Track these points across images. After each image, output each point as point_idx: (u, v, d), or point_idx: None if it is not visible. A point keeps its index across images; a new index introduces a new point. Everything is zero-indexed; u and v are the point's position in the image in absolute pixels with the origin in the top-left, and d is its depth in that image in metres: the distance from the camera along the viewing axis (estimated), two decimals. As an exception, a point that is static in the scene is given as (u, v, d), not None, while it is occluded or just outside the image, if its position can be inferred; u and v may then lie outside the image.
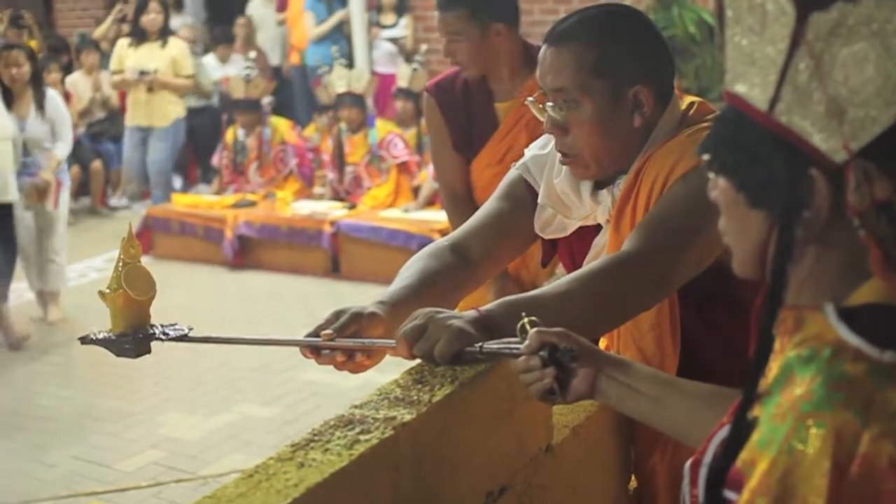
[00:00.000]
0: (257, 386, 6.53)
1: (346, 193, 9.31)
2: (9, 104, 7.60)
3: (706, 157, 1.38)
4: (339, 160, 9.29)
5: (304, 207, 9.22)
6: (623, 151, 2.31)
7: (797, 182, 1.29)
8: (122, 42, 10.53)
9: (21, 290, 8.47)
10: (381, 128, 9.24)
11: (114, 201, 11.76)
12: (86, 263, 9.41)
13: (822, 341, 1.30)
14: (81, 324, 7.41)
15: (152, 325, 2.16)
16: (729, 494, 1.33)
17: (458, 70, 4.01)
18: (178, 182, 11.91)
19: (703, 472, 1.45)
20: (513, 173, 2.55)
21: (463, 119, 3.99)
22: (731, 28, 1.34)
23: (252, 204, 9.52)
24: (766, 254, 1.35)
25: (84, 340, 2.19)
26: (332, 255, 8.78)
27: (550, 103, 2.30)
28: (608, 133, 2.28)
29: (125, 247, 2.14)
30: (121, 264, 2.12)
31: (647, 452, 2.41)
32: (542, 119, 2.35)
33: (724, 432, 1.43)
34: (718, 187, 1.39)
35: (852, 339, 1.27)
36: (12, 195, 7.46)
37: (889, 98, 1.24)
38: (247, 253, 9.30)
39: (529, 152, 2.54)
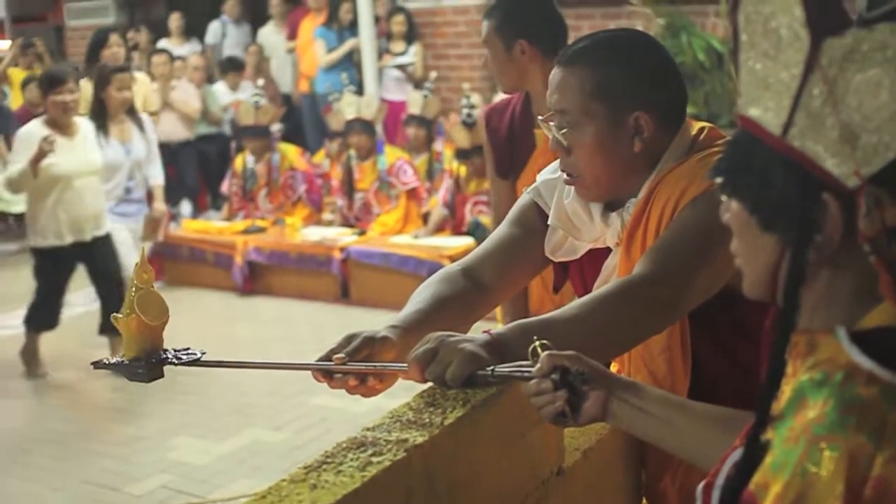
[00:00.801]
0: (267, 411, 6.53)
1: (355, 220, 9.34)
2: (105, 129, 7.51)
3: (719, 179, 1.39)
4: (349, 186, 9.32)
5: (314, 234, 9.25)
6: (624, 176, 2.32)
7: (809, 206, 1.29)
8: None
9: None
10: (391, 154, 9.27)
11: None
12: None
13: (835, 365, 1.30)
14: (90, 349, 7.41)
15: (165, 350, 2.17)
16: None
17: (513, 98, 4.07)
18: (188, 208, 11.94)
19: (715, 495, 1.45)
20: (525, 198, 2.56)
21: (506, 143, 4.03)
22: (746, 52, 1.35)
23: (262, 230, 9.55)
24: (778, 276, 1.36)
25: (97, 365, 2.20)
26: (342, 280, 8.80)
27: (554, 124, 2.32)
28: (608, 156, 2.30)
29: (138, 272, 2.14)
30: (134, 289, 2.13)
31: (658, 475, 2.40)
32: (549, 137, 2.37)
33: (736, 455, 1.43)
34: (731, 210, 1.39)
35: (865, 363, 1.28)
36: (106, 227, 7.37)
37: None
38: (256, 279, 9.32)
39: (541, 177, 2.56)
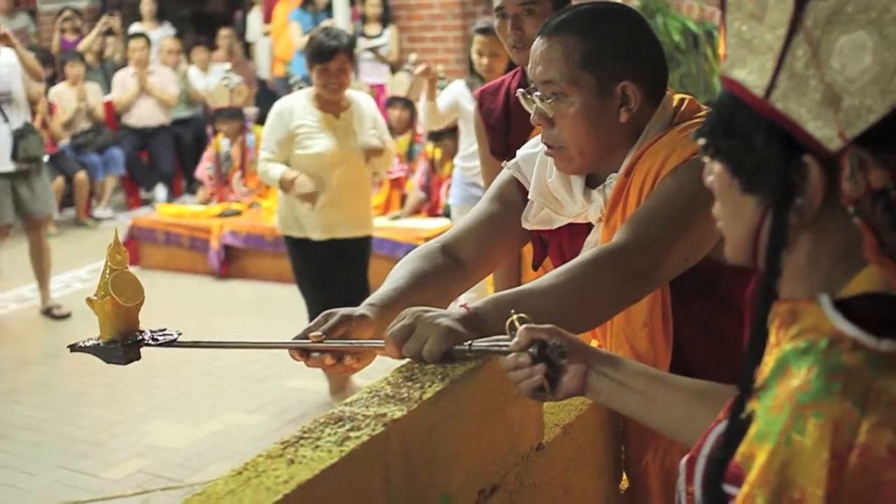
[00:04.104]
0: (243, 394, 6.50)
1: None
2: None
3: (702, 141, 1.37)
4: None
5: (290, 216, 9.18)
6: (608, 146, 2.30)
7: (791, 168, 1.28)
8: None
9: (4, 300, 8.46)
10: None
11: (98, 212, 11.72)
12: (71, 274, 9.37)
13: (819, 332, 1.28)
14: (65, 333, 7.38)
15: (141, 332, 2.14)
16: (729, 489, 1.32)
17: (505, 79, 4.01)
18: (163, 193, 11.89)
19: (699, 467, 1.44)
20: (504, 173, 2.54)
21: (502, 123, 3.99)
22: (732, 13, 1.33)
23: (237, 213, 9.50)
24: (759, 240, 1.34)
25: (73, 348, 2.17)
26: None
27: (538, 94, 2.29)
28: (594, 126, 2.27)
29: (112, 253, 2.12)
30: (108, 271, 2.11)
31: (639, 452, 2.39)
32: (530, 111, 2.34)
33: (720, 428, 1.42)
34: (713, 172, 1.37)
35: (849, 330, 1.26)
36: None
37: (885, 87, 1.23)
38: (233, 262, 9.28)
39: (521, 152, 2.53)
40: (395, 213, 8.92)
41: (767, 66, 1.28)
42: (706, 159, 1.39)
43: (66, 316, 8.10)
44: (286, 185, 5.83)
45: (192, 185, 11.59)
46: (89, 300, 2.12)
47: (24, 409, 6.63)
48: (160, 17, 13.66)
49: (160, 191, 11.98)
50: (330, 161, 5.89)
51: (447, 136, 8.68)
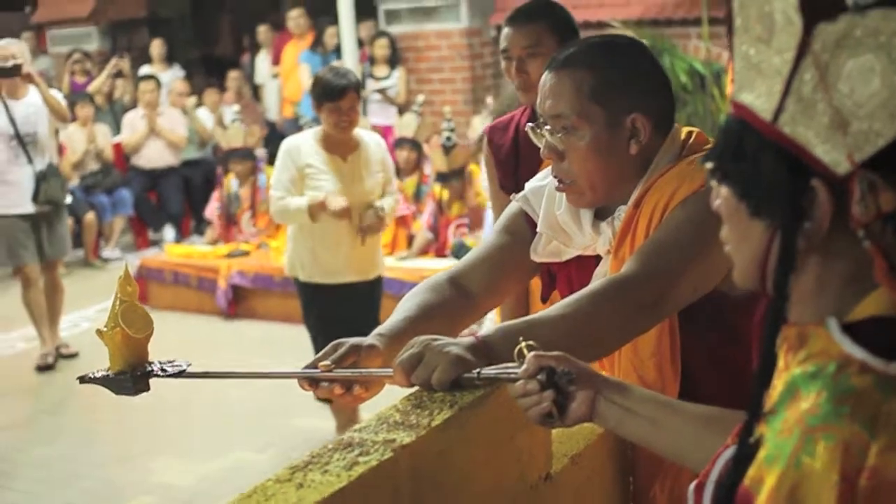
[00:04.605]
0: (250, 431, 6.50)
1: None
2: None
3: (709, 165, 1.37)
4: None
5: (298, 257, 9.20)
6: (619, 179, 2.31)
7: (799, 192, 1.28)
8: None
9: (12, 339, 8.47)
10: (373, 175, 9.25)
11: (106, 253, 11.74)
12: (79, 314, 9.37)
13: (827, 357, 1.28)
14: (72, 372, 7.36)
15: (150, 363, 2.15)
16: None
17: (515, 114, 4.03)
18: (171, 234, 11.92)
19: (708, 493, 1.43)
20: (513, 206, 2.56)
21: (511, 158, 4.01)
22: (739, 37, 1.34)
23: (245, 254, 9.52)
24: (767, 264, 1.34)
25: (83, 380, 2.18)
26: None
27: (548, 128, 2.30)
28: (604, 159, 2.28)
29: (122, 285, 2.13)
30: (118, 303, 2.12)
31: (648, 482, 2.39)
32: (539, 145, 2.35)
33: (728, 453, 1.41)
34: (721, 196, 1.38)
35: (857, 353, 1.26)
36: None
37: (894, 111, 1.23)
38: (240, 302, 9.28)
39: (529, 185, 2.54)
40: (402, 253, 8.93)
41: (775, 89, 1.29)
42: (713, 183, 1.40)
43: (74, 355, 8.10)
44: (316, 210, 5.67)
45: (201, 226, 11.62)
46: (99, 331, 2.13)
47: (31, 446, 6.62)
48: (170, 59, 13.76)
49: (168, 231, 12.00)
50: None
51: (454, 177, 8.71)
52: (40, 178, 7.85)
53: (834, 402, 1.23)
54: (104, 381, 2.14)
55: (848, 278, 1.32)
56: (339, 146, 5.82)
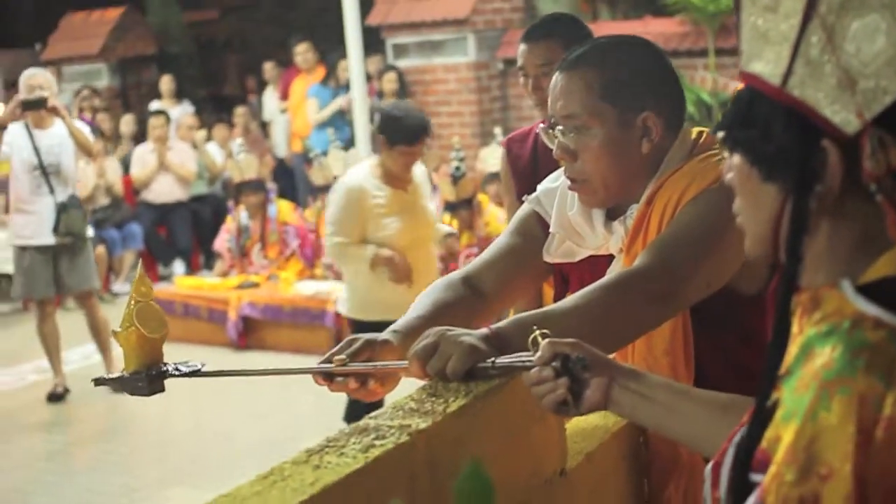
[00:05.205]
0: (260, 459, 6.44)
1: (348, 275, 9.33)
2: None
3: (720, 134, 1.39)
4: (342, 242, 9.30)
5: (308, 288, 9.25)
6: (631, 177, 2.32)
7: (809, 154, 1.30)
8: None
9: (24, 371, 8.49)
10: (384, 209, 9.28)
11: (116, 287, 11.76)
12: (89, 347, 9.37)
13: (841, 316, 1.29)
14: (84, 405, 7.40)
15: (165, 363, 2.16)
16: (755, 477, 1.32)
17: (533, 127, 4.06)
18: (180, 268, 11.95)
19: (725, 472, 1.44)
20: (525, 207, 2.57)
21: (529, 169, 4.03)
22: (747, 10, 1.36)
23: (255, 285, 9.54)
24: (780, 230, 1.36)
25: (98, 381, 2.20)
26: (336, 334, 8.75)
27: (560, 128, 2.31)
28: (617, 158, 2.29)
29: (136, 286, 2.15)
30: (133, 302, 2.13)
31: (663, 483, 2.38)
32: (551, 146, 2.37)
33: (744, 431, 1.42)
34: (733, 166, 1.40)
35: (871, 310, 1.27)
36: None
37: None
38: (251, 334, 9.29)
39: (542, 186, 2.56)
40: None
41: (783, 54, 1.31)
42: (725, 154, 1.42)
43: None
44: (379, 263, 5.55)
45: (210, 261, 11.65)
46: (114, 332, 2.14)
47: (43, 475, 6.63)
48: (179, 95, 13.84)
49: (178, 266, 12.04)
50: (403, 240, 5.64)
51: (463, 207, 8.74)
52: (61, 210, 7.87)
53: (849, 355, 1.24)
54: (118, 381, 2.15)
55: (859, 241, 1.33)
56: (401, 179, 5.70)
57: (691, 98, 9.75)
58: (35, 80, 7.70)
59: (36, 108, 7.62)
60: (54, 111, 7.76)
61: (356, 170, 5.94)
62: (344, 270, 6.04)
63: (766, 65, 1.33)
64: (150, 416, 7.12)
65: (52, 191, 7.91)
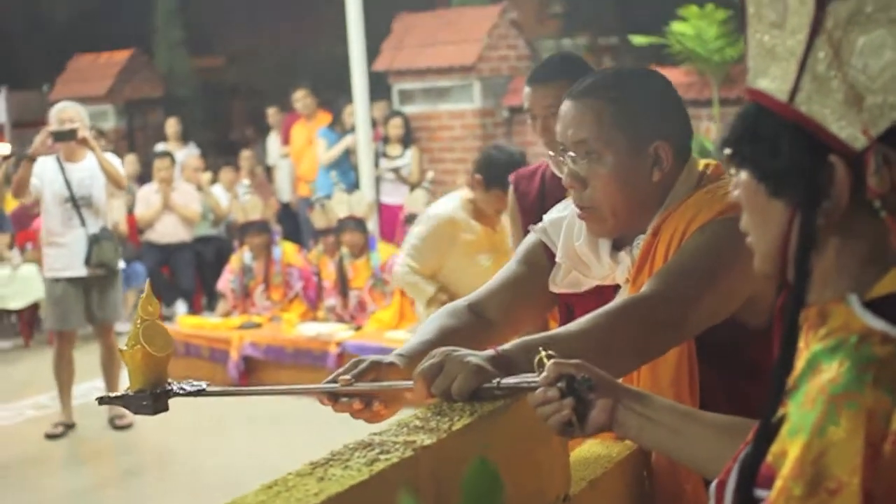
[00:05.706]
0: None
1: (350, 318, 9.33)
2: None
3: (727, 150, 1.40)
4: (343, 285, 9.33)
5: (310, 329, 9.23)
6: (640, 206, 2.32)
7: (817, 169, 1.31)
8: None
9: (21, 407, 8.47)
10: (383, 251, 9.33)
11: (120, 326, 11.75)
12: (93, 384, 9.35)
13: (848, 331, 1.30)
14: (89, 437, 7.37)
15: (169, 382, 2.16)
16: (760, 493, 1.32)
17: (541, 164, 4.07)
18: (183, 308, 11.95)
19: (729, 490, 1.44)
20: (531, 237, 2.58)
21: (536, 208, 4.02)
22: (753, 26, 1.37)
23: (257, 326, 9.54)
24: (787, 246, 1.37)
25: (102, 400, 2.20)
26: (338, 376, 8.74)
27: (571, 155, 2.33)
28: (627, 186, 2.30)
29: (143, 304, 2.16)
30: (139, 321, 2.14)
31: (666, 513, 2.38)
32: (560, 175, 2.38)
33: (749, 447, 1.42)
34: (740, 182, 1.41)
35: (878, 325, 1.28)
36: None
37: None
38: (252, 374, 9.27)
39: (548, 216, 2.57)
40: (412, 325, 8.93)
41: (790, 70, 1.32)
42: (732, 171, 1.43)
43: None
44: (434, 304, 5.56)
45: (213, 302, 11.65)
46: (120, 350, 2.15)
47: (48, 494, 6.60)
48: (185, 138, 13.90)
49: (180, 306, 12.04)
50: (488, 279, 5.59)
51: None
52: (93, 242, 7.92)
53: (857, 370, 1.24)
54: (123, 400, 2.16)
55: (866, 258, 1.34)
56: (490, 218, 5.68)
57: (696, 147, 9.76)
58: (66, 113, 7.78)
59: (66, 139, 7.68)
60: (85, 143, 7.81)
61: (446, 201, 5.92)
62: (421, 312, 6.03)
63: (773, 81, 1.34)
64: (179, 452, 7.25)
65: (83, 223, 7.96)
